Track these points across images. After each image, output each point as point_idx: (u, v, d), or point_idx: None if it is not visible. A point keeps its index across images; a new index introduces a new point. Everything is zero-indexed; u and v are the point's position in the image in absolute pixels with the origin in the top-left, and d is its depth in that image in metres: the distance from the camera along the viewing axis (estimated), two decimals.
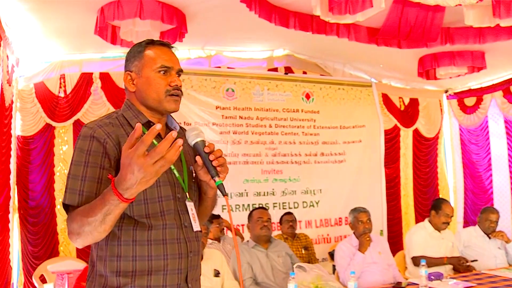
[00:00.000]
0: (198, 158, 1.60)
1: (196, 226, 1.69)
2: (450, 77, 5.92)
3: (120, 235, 1.54)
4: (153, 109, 1.68)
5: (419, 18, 4.28)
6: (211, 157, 1.56)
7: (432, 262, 4.33)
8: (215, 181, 1.57)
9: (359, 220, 4.35)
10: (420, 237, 4.71)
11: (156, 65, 1.64)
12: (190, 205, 1.69)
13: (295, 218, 5.19)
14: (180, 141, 1.31)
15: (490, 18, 3.95)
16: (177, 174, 1.67)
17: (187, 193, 1.69)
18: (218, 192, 1.70)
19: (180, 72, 1.70)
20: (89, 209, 1.43)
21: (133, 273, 1.54)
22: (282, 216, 5.20)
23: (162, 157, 1.29)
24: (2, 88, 4.32)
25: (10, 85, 4.69)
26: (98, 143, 1.53)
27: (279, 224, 5.48)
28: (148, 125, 1.64)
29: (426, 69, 5.79)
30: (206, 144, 1.58)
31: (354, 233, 4.41)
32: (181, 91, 1.69)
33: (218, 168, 1.57)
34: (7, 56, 4.47)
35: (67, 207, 1.53)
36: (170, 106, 1.66)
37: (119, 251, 1.55)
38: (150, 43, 1.70)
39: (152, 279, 1.55)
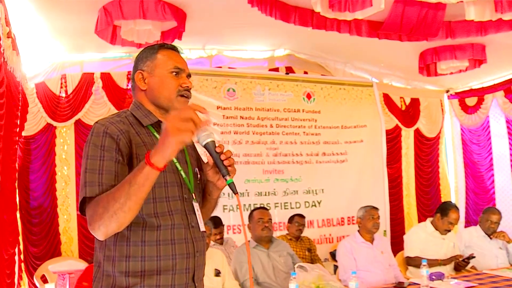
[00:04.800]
0: (209, 157, 1.63)
1: (202, 227, 1.72)
2: (451, 73, 5.88)
3: (129, 235, 1.55)
4: (163, 108, 1.71)
5: (420, 16, 4.28)
6: (223, 156, 1.59)
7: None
8: (226, 179, 1.60)
9: (370, 215, 4.35)
10: (417, 238, 4.70)
11: (170, 66, 1.70)
12: (197, 206, 1.72)
13: (305, 223, 5.18)
14: (206, 115, 1.46)
15: (491, 12, 3.96)
16: (183, 175, 1.70)
17: (193, 194, 1.71)
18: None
19: (189, 76, 1.75)
20: (117, 187, 1.45)
21: (142, 273, 1.55)
22: (294, 216, 5.15)
23: (190, 118, 1.39)
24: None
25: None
26: (111, 139, 1.55)
27: (284, 224, 5.50)
28: (158, 124, 1.69)
29: (427, 63, 5.78)
30: (217, 145, 1.61)
31: (359, 230, 4.41)
32: (190, 93, 1.74)
33: (229, 168, 1.59)
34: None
35: (82, 204, 1.54)
36: (180, 107, 1.69)
37: (128, 251, 1.56)
38: (163, 46, 1.76)
39: (161, 279, 1.57)
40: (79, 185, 1.55)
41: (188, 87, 1.72)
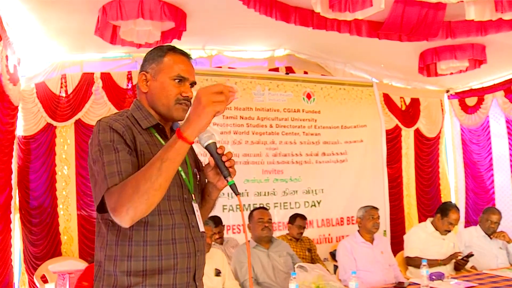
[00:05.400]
0: (210, 159, 1.64)
1: (202, 227, 1.73)
2: (451, 73, 5.88)
3: (131, 235, 1.56)
4: (161, 114, 1.71)
5: (421, 16, 4.28)
6: (224, 158, 1.60)
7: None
8: (227, 181, 1.60)
9: (370, 215, 4.35)
10: (417, 238, 4.70)
11: (173, 73, 1.68)
12: (196, 206, 1.72)
13: (306, 225, 5.15)
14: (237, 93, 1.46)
15: (491, 12, 3.96)
16: (184, 176, 1.70)
17: (192, 195, 1.72)
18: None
19: (193, 84, 1.74)
20: (147, 165, 1.45)
21: (144, 273, 1.56)
22: (295, 218, 5.09)
23: (223, 92, 1.43)
24: (2, 87, 4.31)
25: (15, 85, 4.67)
26: (118, 134, 1.56)
27: (284, 224, 5.55)
28: (157, 127, 1.70)
29: (427, 63, 5.77)
30: (218, 146, 1.61)
31: (359, 230, 4.41)
32: (190, 102, 1.71)
33: (230, 169, 1.60)
34: (6, 56, 4.45)
35: (101, 206, 1.52)
36: (178, 115, 1.69)
37: (130, 251, 1.56)
38: (172, 49, 1.73)
39: (163, 278, 1.57)
40: (96, 181, 1.53)
41: (188, 96, 1.70)
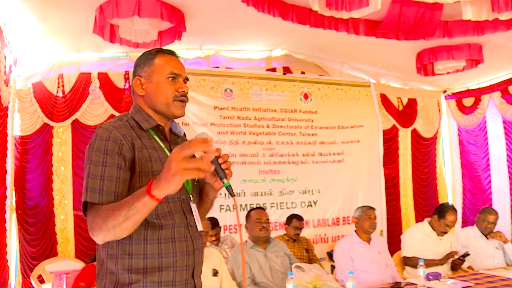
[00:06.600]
0: None
1: (200, 226, 1.78)
2: (448, 72, 5.89)
3: (132, 234, 1.59)
4: (161, 113, 1.77)
5: (418, 16, 4.29)
6: (220, 160, 1.63)
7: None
8: (223, 182, 1.64)
9: (367, 215, 4.36)
10: (415, 238, 4.71)
11: (166, 71, 1.75)
12: (194, 207, 1.77)
13: (303, 226, 5.14)
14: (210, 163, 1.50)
15: (488, 12, 3.97)
16: None
17: (191, 195, 1.77)
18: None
19: (186, 79, 1.80)
20: (118, 205, 1.50)
21: (145, 270, 1.61)
22: (291, 219, 5.08)
23: (197, 159, 1.43)
24: None
25: (7, 86, 4.67)
26: (114, 144, 1.60)
27: (280, 224, 5.59)
28: (157, 128, 1.76)
29: (424, 63, 5.78)
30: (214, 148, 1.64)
31: (356, 230, 4.42)
32: (187, 97, 1.78)
33: (226, 171, 1.64)
34: (5, 57, 4.46)
35: (85, 205, 1.60)
36: (177, 111, 1.76)
37: (131, 249, 1.62)
38: (160, 51, 1.80)
39: (163, 275, 1.63)
40: (82, 187, 1.60)
41: (184, 92, 1.76)
